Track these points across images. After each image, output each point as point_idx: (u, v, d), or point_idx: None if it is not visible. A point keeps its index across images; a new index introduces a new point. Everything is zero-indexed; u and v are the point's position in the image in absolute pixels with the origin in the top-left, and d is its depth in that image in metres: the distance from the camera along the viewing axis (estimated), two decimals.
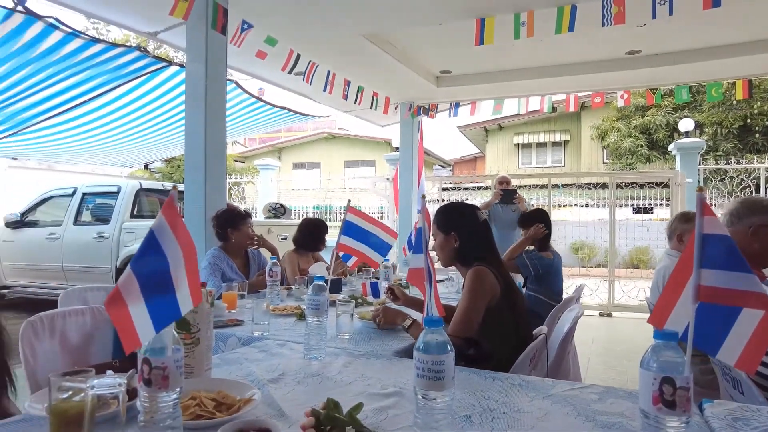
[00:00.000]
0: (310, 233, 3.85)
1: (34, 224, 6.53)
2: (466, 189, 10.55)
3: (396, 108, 6.70)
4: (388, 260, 3.13)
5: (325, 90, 4.89)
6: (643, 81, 5.87)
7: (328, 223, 4.07)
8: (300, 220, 4.12)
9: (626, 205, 9.62)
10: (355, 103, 5.57)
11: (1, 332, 1.40)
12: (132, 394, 1.10)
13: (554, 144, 18.06)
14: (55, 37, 3.94)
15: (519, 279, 3.65)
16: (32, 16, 3.60)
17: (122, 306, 0.88)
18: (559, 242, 9.06)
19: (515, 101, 6.56)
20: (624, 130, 14.73)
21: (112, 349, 2.37)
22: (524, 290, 3.63)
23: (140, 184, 6.44)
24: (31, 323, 2.03)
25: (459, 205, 2.27)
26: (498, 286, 1.92)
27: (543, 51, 5.11)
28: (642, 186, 9.52)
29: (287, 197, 12.29)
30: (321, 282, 1.63)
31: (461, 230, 2.03)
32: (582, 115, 16.60)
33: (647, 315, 1.22)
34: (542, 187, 9.22)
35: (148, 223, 6.05)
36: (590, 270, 10.61)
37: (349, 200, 2.00)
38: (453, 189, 10.19)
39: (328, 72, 4.90)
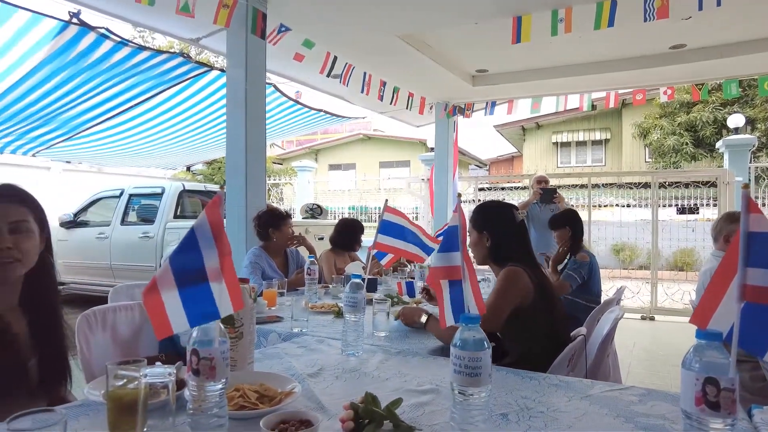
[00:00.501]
0: (347, 233, 3.92)
1: (85, 224, 6.85)
2: (503, 189, 10.42)
3: (431, 108, 6.69)
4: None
5: (362, 91, 4.94)
6: (689, 76, 5.67)
7: (364, 224, 4.12)
8: (336, 221, 4.18)
9: (670, 205, 9.29)
10: (390, 103, 5.60)
11: (63, 326, 1.49)
12: (180, 384, 1.16)
13: (594, 142, 17.61)
14: (106, 46, 4.14)
15: None
16: (86, 27, 3.79)
17: (156, 294, 0.93)
18: (599, 243, 8.84)
19: (553, 99, 6.45)
20: (668, 127, 14.22)
21: (158, 344, 2.48)
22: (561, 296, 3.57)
23: (183, 185, 6.67)
24: (85, 317, 2.15)
25: (495, 204, 2.25)
26: (531, 287, 1.90)
27: (581, 47, 5.01)
28: (687, 185, 9.17)
29: (323, 198, 12.46)
30: (358, 280, 1.66)
31: (493, 230, 2.02)
32: (623, 113, 16.12)
33: None
34: (582, 186, 9.02)
35: (191, 223, 6.26)
36: (632, 272, 10.30)
37: (387, 200, 2.02)
38: (489, 189, 10.08)
39: (365, 73, 4.95)
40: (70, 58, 4.26)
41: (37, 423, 0.79)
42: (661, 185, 8.02)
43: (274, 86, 5.51)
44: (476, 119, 7.20)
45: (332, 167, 20.19)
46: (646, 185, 7.82)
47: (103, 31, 3.96)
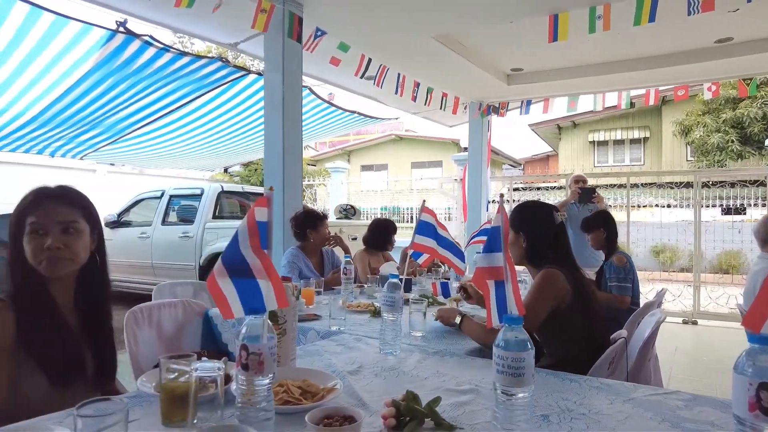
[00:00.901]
0: (380, 233, 3.95)
1: (128, 224, 7.11)
2: (538, 189, 10.25)
3: (465, 108, 6.66)
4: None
5: (396, 92, 4.97)
6: (735, 71, 5.45)
7: (396, 224, 4.15)
8: (368, 221, 4.22)
9: (714, 206, 8.94)
10: (425, 104, 5.61)
11: (111, 321, 1.57)
12: (226, 379, 1.20)
13: (632, 141, 17.12)
14: (149, 53, 4.29)
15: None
16: (131, 35, 3.94)
17: (215, 284, 0.98)
18: (638, 245, 8.59)
19: (590, 97, 6.31)
20: (711, 124, 13.69)
21: (200, 340, 2.56)
22: None
23: (221, 186, 6.85)
24: (132, 313, 2.24)
25: (533, 204, 2.23)
26: (569, 289, 1.87)
27: (620, 44, 4.89)
28: (733, 185, 8.81)
29: (355, 199, 12.55)
30: (396, 280, 1.68)
31: (529, 230, 2.00)
32: (662, 110, 15.61)
33: (739, 323, 1.16)
34: (620, 186, 8.79)
35: (229, 223, 6.46)
36: (672, 274, 9.95)
37: (424, 200, 2.04)
38: (524, 189, 9.94)
39: (399, 75, 4.97)
40: (116, 65, 4.44)
41: (103, 410, 0.84)
42: (705, 185, 7.73)
43: (309, 88, 5.60)
44: (510, 118, 7.11)
45: (364, 168, 20.30)
46: (688, 185, 7.55)
47: (146, 38, 4.11)
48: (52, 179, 1.48)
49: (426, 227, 1.92)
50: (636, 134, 16.88)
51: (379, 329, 1.95)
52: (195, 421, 1.08)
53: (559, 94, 6.34)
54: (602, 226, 3.59)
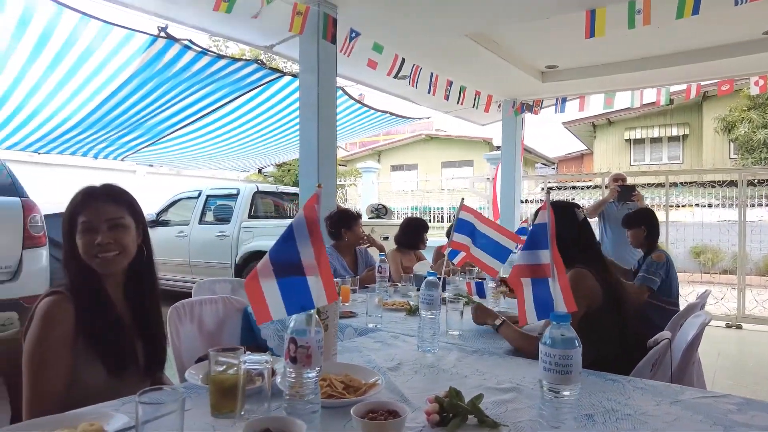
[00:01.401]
0: (412, 232, 3.96)
1: (166, 223, 7.32)
2: (573, 188, 10.05)
3: (499, 106, 6.59)
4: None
5: (429, 92, 4.96)
6: None
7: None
8: (400, 221, 4.24)
9: (760, 205, 8.58)
10: (457, 103, 5.58)
11: (161, 313, 1.63)
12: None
13: (671, 139, 16.59)
14: (188, 56, 4.42)
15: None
16: (171, 39, 4.07)
17: (256, 284, 1.00)
18: (677, 245, 8.31)
19: (628, 94, 6.15)
20: (758, 120, 13.12)
21: (239, 336, 2.63)
22: None
23: (257, 187, 6.98)
24: (175, 309, 2.32)
25: (554, 204, 2.21)
26: (599, 289, 1.84)
27: (660, 38, 4.75)
28: None
29: (386, 198, 12.58)
30: (434, 278, 1.68)
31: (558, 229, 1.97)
32: (704, 106, 15.07)
33: None
34: (658, 185, 8.53)
35: (264, 222, 6.58)
36: (714, 276, 9.59)
37: (463, 198, 2.04)
38: (558, 188, 9.76)
39: (431, 74, 4.96)
40: (157, 69, 4.58)
41: (161, 399, 0.88)
42: (750, 183, 7.43)
43: (342, 89, 5.65)
44: (543, 116, 7.00)
45: (394, 168, 20.32)
46: (732, 183, 7.27)
47: (186, 42, 4.23)
48: (96, 179, 1.56)
49: (464, 225, 1.92)
50: (675, 131, 16.35)
51: (415, 327, 1.96)
52: (243, 412, 1.12)
53: (595, 91, 6.21)
54: (644, 223, 3.49)
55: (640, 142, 17.14)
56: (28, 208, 4.01)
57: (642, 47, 5.02)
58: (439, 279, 1.80)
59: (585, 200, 10.00)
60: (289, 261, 0.99)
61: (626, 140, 17.15)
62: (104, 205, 1.43)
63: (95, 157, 7.24)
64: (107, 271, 1.43)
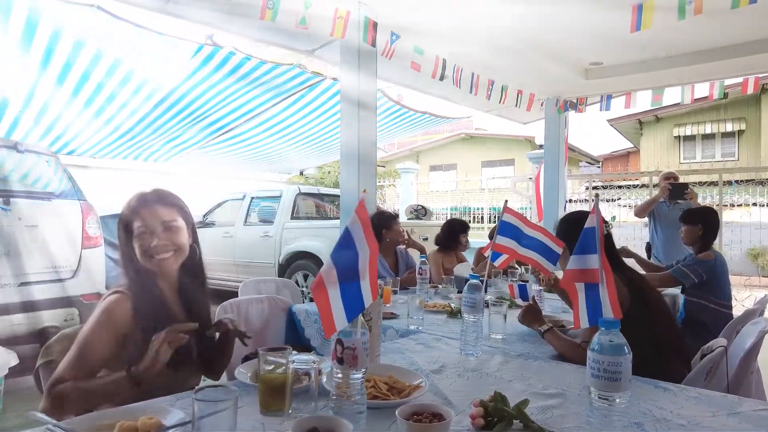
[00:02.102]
0: (453, 233, 3.94)
1: (212, 225, 7.57)
2: (619, 187, 9.74)
3: (541, 104, 6.46)
4: None
5: (470, 92, 4.92)
6: None
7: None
8: (440, 222, 4.23)
9: None
10: (499, 102, 5.51)
11: (209, 309, 1.71)
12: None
13: (725, 135, 15.80)
14: (233, 62, 4.55)
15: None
16: (217, 46, 4.21)
17: (323, 292, 1.02)
18: (732, 247, 7.92)
19: (678, 89, 5.90)
20: None
21: (284, 335, 2.69)
22: (683, 297, 3.27)
23: (299, 189, 7.13)
24: (223, 307, 2.40)
25: (575, 214, 2.16)
26: (626, 293, 1.78)
27: (713, 30, 4.53)
28: None
29: (424, 199, 12.56)
30: (477, 281, 1.68)
31: (572, 243, 1.93)
32: (762, 100, 14.28)
33: None
34: (711, 184, 8.16)
35: (306, 223, 6.71)
36: None
37: (506, 200, 2.02)
38: (603, 188, 9.48)
39: (473, 74, 4.92)
40: (204, 75, 4.74)
41: (217, 396, 0.92)
42: None
43: (381, 91, 5.68)
44: (587, 113, 6.81)
45: (433, 168, 20.23)
46: None
47: (231, 48, 4.36)
48: (146, 183, 1.65)
49: (507, 228, 1.90)
50: (729, 127, 15.56)
51: (456, 329, 1.96)
52: (290, 411, 1.15)
53: (642, 87, 5.98)
54: (702, 222, 3.28)
55: (690, 138, 16.41)
56: (85, 210, 4.23)
57: (693, 40, 4.80)
58: (481, 281, 1.79)
59: (632, 200, 9.67)
60: (350, 265, 1.01)
61: (675, 137, 16.45)
62: (157, 209, 1.52)
63: (145, 160, 7.56)
64: (163, 270, 1.51)
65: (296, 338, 2.58)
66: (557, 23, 4.36)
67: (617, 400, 0.93)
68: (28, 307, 3.72)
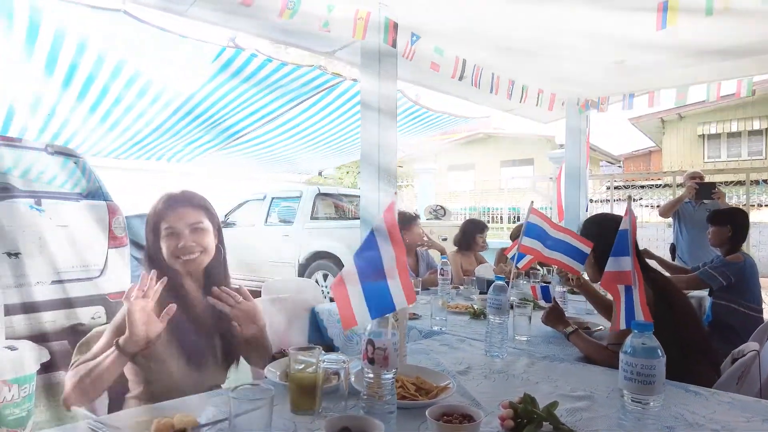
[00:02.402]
0: (472, 233, 3.94)
1: (233, 224, 7.66)
2: (641, 187, 9.58)
3: (563, 103, 6.39)
4: None
5: (491, 91, 4.90)
6: None
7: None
8: (457, 222, 4.22)
9: None
10: (520, 102, 5.46)
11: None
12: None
13: (752, 133, 15.42)
14: (254, 64, 4.60)
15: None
16: (239, 48, 4.25)
17: (343, 289, 1.03)
18: (760, 248, 7.73)
19: (703, 87, 5.78)
20: None
21: (307, 334, 2.72)
22: (710, 299, 3.21)
23: (318, 189, 7.18)
24: None
25: (597, 217, 2.14)
26: (650, 293, 1.75)
27: (741, 26, 4.43)
28: None
29: (443, 199, 12.52)
30: (502, 282, 1.67)
31: (595, 246, 1.91)
32: None
33: None
34: (738, 183, 7.97)
35: (326, 224, 6.76)
36: None
37: (532, 201, 2.01)
38: (625, 187, 9.34)
39: (493, 74, 4.89)
40: (226, 77, 4.80)
41: (253, 394, 0.94)
42: None
43: (400, 91, 5.68)
44: (607, 112, 6.72)
45: (451, 168, 20.14)
46: None
47: (253, 50, 4.41)
48: (168, 184, 1.68)
49: (533, 229, 1.89)
50: (757, 125, 15.19)
51: (480, 330, 1.96)
52: (320, 410, 1.17)
53: (666, 86, 5.88)
54: (731, 223, 3.19)
55: (715, 137, 16.06)
56: (112, 210, 4.33)
57: (720, 37, 4.70)
58: (508, 282, 1.78)
59: (654, 200, 9.50)
60: (373, 266, 1.02)
61: (699, 136, 16.12)
62: (185, 210, 1.54)
63: (168, 160, 7.69)
64: (190, 270, 1.54)
65: (319, 338, 2.61)
66: (579, 22, 4.31)
67: (651, 404, 0.92)
68: (58, 304, 3.82)
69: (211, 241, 1.58)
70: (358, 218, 6.57)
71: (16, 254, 3.51)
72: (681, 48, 5.01)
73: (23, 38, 3.79)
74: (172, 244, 1.51)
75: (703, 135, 16.10)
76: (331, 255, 6.20)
